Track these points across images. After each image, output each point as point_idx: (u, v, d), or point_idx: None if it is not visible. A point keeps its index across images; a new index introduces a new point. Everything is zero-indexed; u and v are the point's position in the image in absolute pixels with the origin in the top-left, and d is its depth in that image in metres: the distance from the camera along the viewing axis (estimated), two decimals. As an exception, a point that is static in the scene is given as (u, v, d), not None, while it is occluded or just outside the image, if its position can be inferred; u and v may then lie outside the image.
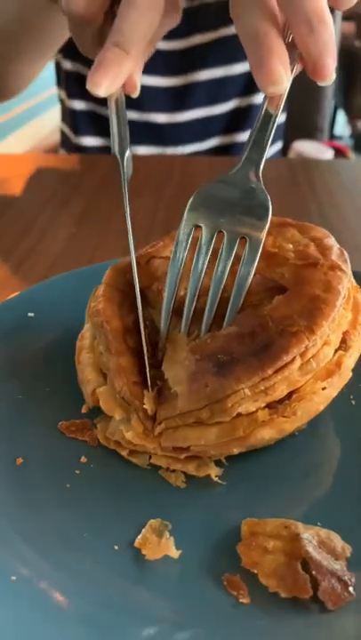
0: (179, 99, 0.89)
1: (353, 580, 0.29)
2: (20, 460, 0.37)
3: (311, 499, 0.35)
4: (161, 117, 0.90)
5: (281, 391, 0.32)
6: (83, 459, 0.37)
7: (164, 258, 0.40)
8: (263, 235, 0.35)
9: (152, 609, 0.29)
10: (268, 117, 0.35)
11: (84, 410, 0.40)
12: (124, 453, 0.36)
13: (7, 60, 0.74)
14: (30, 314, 0.48)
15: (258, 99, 0.93)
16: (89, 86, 0.34)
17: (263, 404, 0.32)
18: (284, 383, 0.32)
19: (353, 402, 0.41)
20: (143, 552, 0.31)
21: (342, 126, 2.56)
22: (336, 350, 0.34)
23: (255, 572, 0.30)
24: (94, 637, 0.28)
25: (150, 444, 0.34)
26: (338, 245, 0.37)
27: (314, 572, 0.29)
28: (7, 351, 0.45)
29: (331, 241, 0.38)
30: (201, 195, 0.36)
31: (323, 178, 0.81)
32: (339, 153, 1.34)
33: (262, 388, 0.32)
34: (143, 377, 0.36)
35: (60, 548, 0.32)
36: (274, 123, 0.35)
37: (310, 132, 1.15)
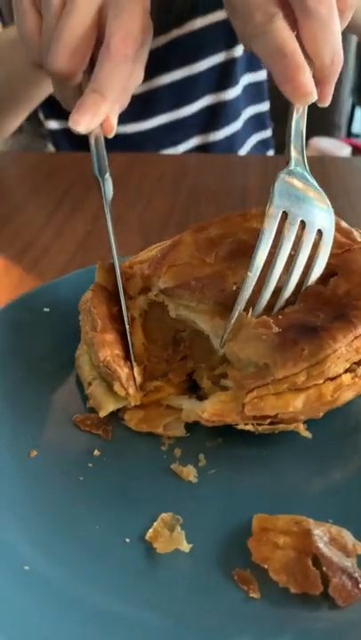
0: (142, 106, 0.88)
1: (364, 577, 0.29)
2: (33, 453, 0.37)
3: (323, 495, 0.34)
4: (128, 128, 0.89)
5: None
6: (96, 452, 0.37)
7: (182, 265, 0.42)
8: (333, 229, 0.39)
9: (162, 602, 0.29)
10: (298, 123, 0.39)
11: (89, 405, 0.40)
12: (159, 430, 0.38)
13: None
14: (46, 309, 0.49)
15: (228, 95, 0.91)
16: (70, 124, 0.38)
17: (348, 365, 0.35)
18: None
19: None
20: (154, 545, 0.32)
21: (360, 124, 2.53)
22: None
23: (266, 567, 0.30)
24: (104, 629, 0.28)
25: (229, 418, 0.35)
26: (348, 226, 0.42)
27: (324, 569, 0.29)
28: (23, 346, 0.45)
29: (344, 223, 0.42)
30: (283, 183, 0.38)
31: (339, 175, 0.80)
32: (356, 150, 1.33)
33: (354, 346, 0.35)
34: (126, 353, 0.40)
35: (72, 540, 0.32)
36: (303, 127, 0.39)
37: (327, 130, 1.14)
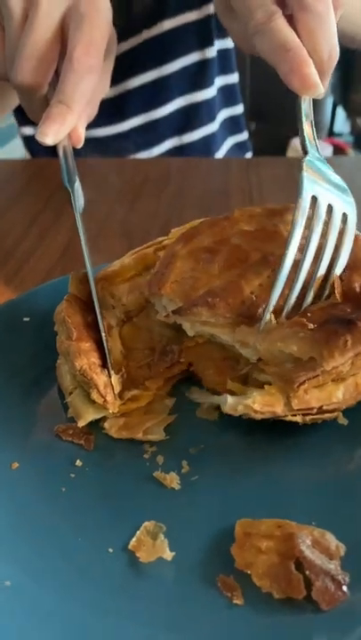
0: (115, 109, 0.88)
1: (347, 579, 0.29)
2: (15, 465, 0.37)
3: (306, 499, 0.34)
4: (101, 131, 0.89)
5: None
6: (78, 462, 0.37)
7: (185, 280, 0.40)
8: (355, 215, 0.39)
9: (146, 611, 0.29)
10: (309, 114, 0.39)
11: (69, 414, 0.40)
12: (139, 436, 0.38)
13: None
14: (26, 318, 0.48)
15: (202, 95, 0.91)
16: (38, 136, 0.39)
17: None
18: None
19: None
20: (137, 555, 0.31)
21: (342, 123, 2.55)
22: None
23: (249, 572, 0.30)
24: (88, 640, 0.28)
25: (279, 409, 0.36)
26: None
27: (307, 572, 0.29)
28: (3, 355, 0.45)
29: None
30: (306, 174, 0.38)
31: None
32: (338, 150, 1.34)
33: None
34: (104, 361, 0.40)
35: (54, 552, 0.32)
36: (312, 118, 0.40)
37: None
